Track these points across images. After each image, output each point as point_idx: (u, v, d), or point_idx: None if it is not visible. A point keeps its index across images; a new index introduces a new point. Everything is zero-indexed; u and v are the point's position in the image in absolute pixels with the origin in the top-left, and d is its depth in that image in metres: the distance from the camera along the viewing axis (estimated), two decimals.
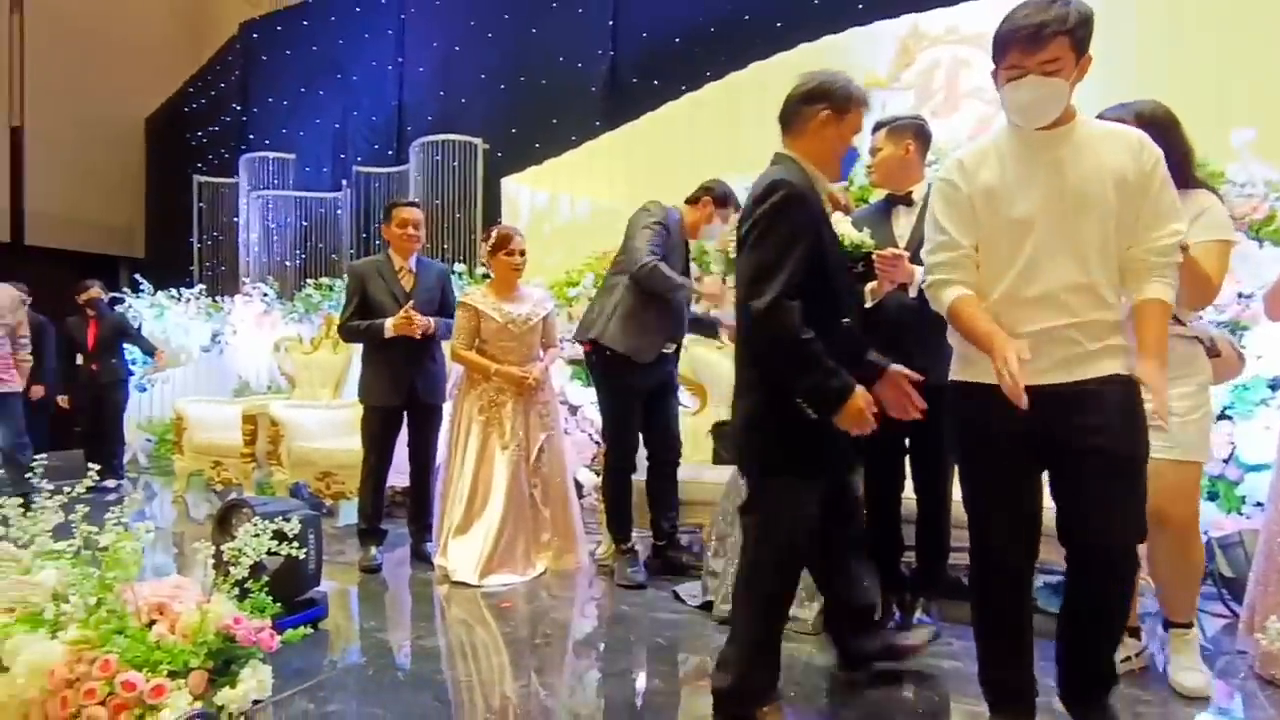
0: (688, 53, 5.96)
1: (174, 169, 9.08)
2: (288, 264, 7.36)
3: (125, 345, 5.73)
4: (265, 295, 6.61)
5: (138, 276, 7.30)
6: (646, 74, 6.14)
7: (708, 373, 3.98)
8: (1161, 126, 1.95)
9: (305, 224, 7.44)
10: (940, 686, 2.19)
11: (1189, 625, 2.15)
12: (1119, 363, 1.56)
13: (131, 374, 5.90)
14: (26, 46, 8.76)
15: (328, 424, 4.32)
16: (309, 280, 6.76)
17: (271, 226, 7.45)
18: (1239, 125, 3.54)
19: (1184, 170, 1.95)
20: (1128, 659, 2.20)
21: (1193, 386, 2.03)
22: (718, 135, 5.34)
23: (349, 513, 4.07)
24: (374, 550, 3.32)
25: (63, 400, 5.60)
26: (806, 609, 2.62)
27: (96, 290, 5.60)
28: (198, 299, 6.94)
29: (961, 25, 4.65)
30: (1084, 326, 1.55)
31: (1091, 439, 1.52)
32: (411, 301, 3.25)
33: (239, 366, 6.32)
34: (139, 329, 6.20)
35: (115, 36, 9.43)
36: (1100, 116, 1.98)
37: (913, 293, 2.36)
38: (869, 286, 2.47)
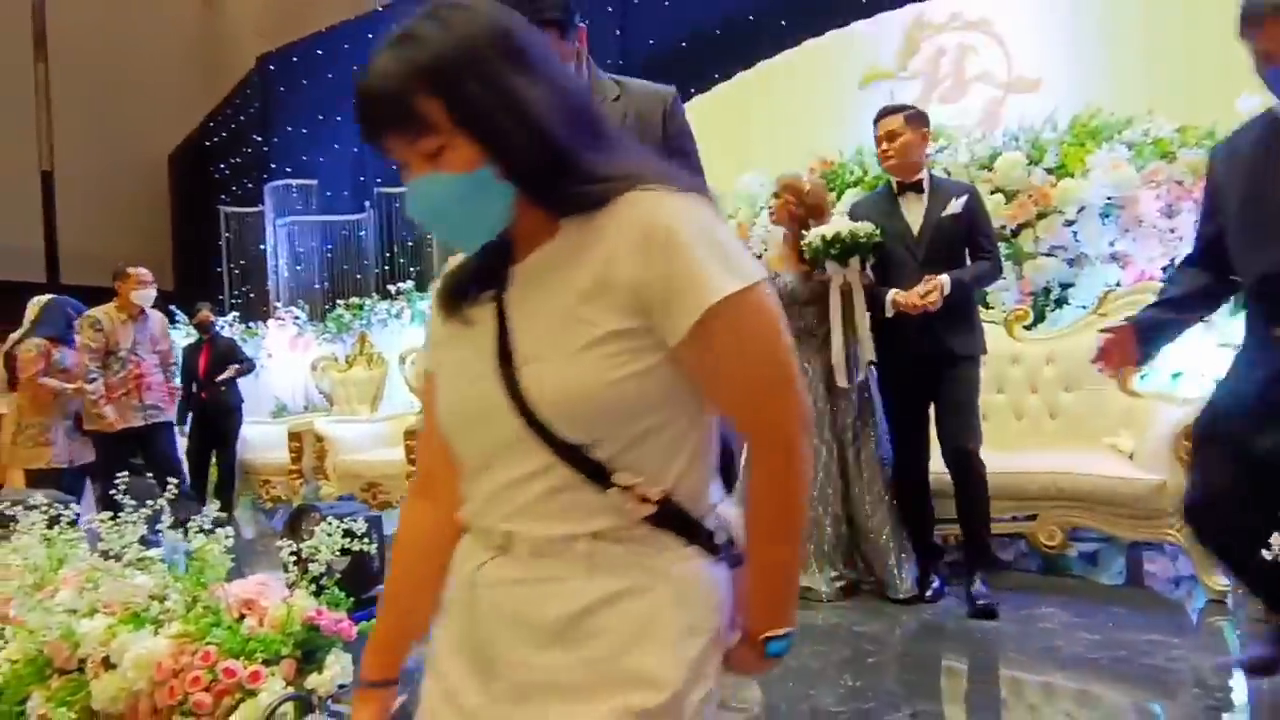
0: (695, 56, 6.06)
1: (199, 202, 9.34)
2: (316, 287, 7.54)
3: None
4: (297, 318, 6.79)
5: (172, 308, 7.51)
6: (655, 78, 6.21)
7: None
8: None
9: (330, 247, 7.62)
10: (978, 650, 2.27)
11: None
12: None
13: (243, 400, 5.35)
14: (52, 93, 9.06)
15: (370, 437, 4.47)
16: (338, 301, 6.94)
17: (300, 251, 7.63)
18: (1248, 91, 3.60)
19: None
20: None
21: None
22: (728, 135, 5.43)
23: (393, 522, 4.20)
24: None
25: (181, 431, 5.02)
26: (817, 578, 2.70)
27: (207, 313, 5.36)
28: (231, 326, 7.13)
29: (965, 11, 4.71)
30: None
31: None
32: None
33: (275, 388, 6.50)
34: None
35: (135, 78, 9.73)
36: None
37: (937, 302, 2.43)
38: (890, 297, 2.54)
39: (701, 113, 5.73)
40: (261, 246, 8.10)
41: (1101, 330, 1.85)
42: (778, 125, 5.20)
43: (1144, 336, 1.78)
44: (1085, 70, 4.24)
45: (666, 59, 6.21)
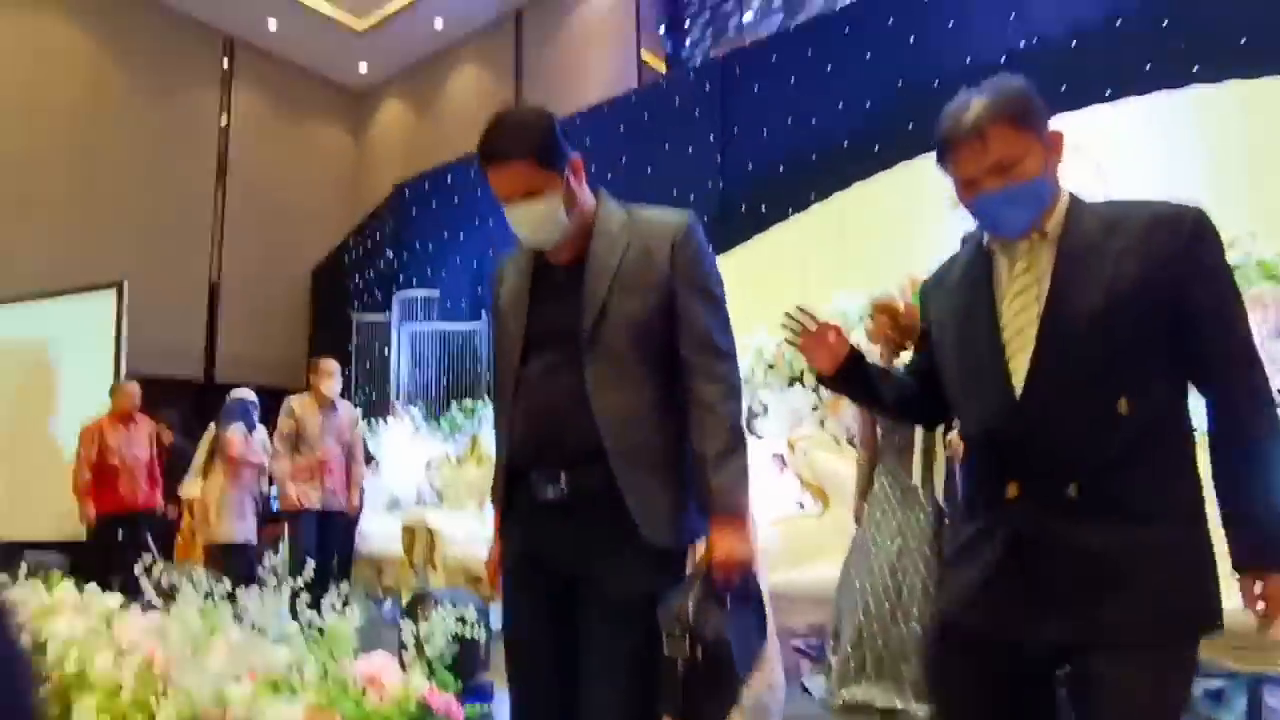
0: (792, 179, 6.39)
1: (335, 310, 10.29)
2: (433, 389, 8.10)
3: None
4: (414, 418, 7.28)
5: None
6: (754, 200, 6.62)
7: (831, 478, 4.12)
8: None
9: (449, 353, 8.22)
10: None
11: None
12: None
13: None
14: (226, 214, 10.39)
15: (478, 533, 4.71)
16: (454, 403, 7.41)
17: (423, 355, 8.27)
18: None
19: None
20: None
21: None
22: (827, 252, 5.65)
23: (498, 614, 4.35)
24: None
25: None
26: (917, 707, 2.64)
27: None
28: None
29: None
30: None
31: None
32: None
33: (391, 483, 6.93)
34: None
35: (292, 202, 11.03)
36: None
37: None
38: None
39: (799, 232, 6.02)
40: (386, 351, 8.82)
41: (805, 313, 1.49)
42: (873, 245, 5.37)
43: (854, 358, 1.50)
44: (1185, 192, 4.22)
45: (765, 181, 6.58)
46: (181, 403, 6.21)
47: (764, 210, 6.42)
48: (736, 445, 1.45)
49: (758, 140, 6.69)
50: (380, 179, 11.08)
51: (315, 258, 11.10)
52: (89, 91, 9.35)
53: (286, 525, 4.46)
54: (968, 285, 1.39)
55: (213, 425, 4.73)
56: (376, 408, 8.59)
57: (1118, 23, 4.99)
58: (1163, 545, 1.19)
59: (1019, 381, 1.25)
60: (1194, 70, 4.51)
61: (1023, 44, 5.32)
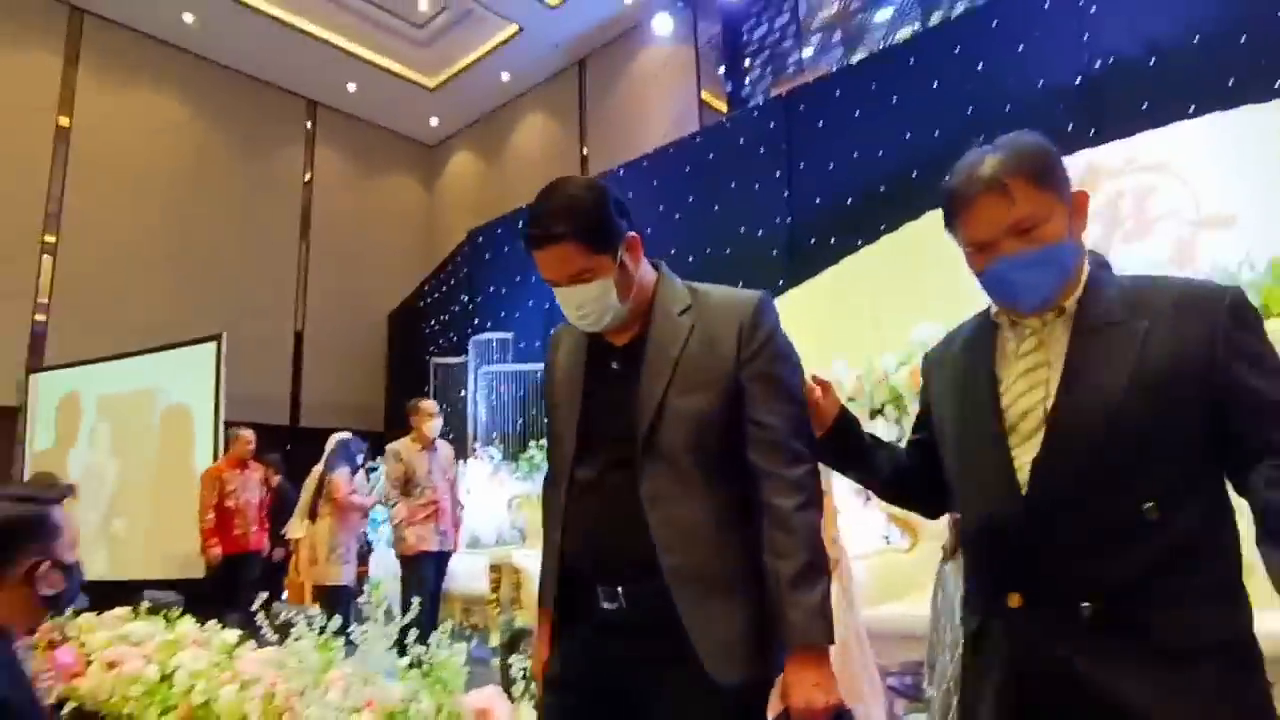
0: (861, 211, 6.37)
1: (412, 354, 10.66)
2: (510, 429, 8.27)
3: None
4: (493, 458, 7.44)
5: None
6: (823, 234, 6.63)
7: None
8: None
9: (524, 393, 8.40)
10: None
11: None
12: None
13: None
14: (310, 266, 10.95)
15: None
16: (531, 442, 7.55)
17: (499, 396, 8.47)
18: None
19: None
20: None
21: None
22: (899, 282, 5.59)
23: None
24: None
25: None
26: None
27: None
28: None
29: (1140, 156, 4.71)
30: None
31: None
32: None
33: (472, 522, 7.06)
34: None
35: (369, 251, 11.55)
36: None
37: None
38: None
39: (869, 264, 5.99)
40: (462, 393, 9.06)
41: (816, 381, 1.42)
42: (946, 275, 5.28)
43: (845, 421, 1.42)
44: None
45: (833, 213, 6.59)
46: (269, 449, 6.51)
47: (833, 243, 6.42)
48: (815, 565, 1.23)
49: (824, 174, 6.72)
50: (452, 226, 11.51)
51: (391, 304, 11.55)
52: (192, 160, 10.07)
53: (401, 566, 4.57)
54: (969, 361, 1.23)
55: (317, 467, 4.92)
56: (455, 449, 8.80)
57: (1195, 39, 4.87)
58: (1200, 694, 0.97)
59: (1024, 477, 1.08)
60: (1278, 85, 4.38)
61: (1098, 64, 5.24)
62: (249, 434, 5.65)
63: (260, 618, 2.59)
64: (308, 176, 11.35)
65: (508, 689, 2.20)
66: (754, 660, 1.25)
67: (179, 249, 9.70)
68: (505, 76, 11.02)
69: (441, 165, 12.78)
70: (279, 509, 5.87)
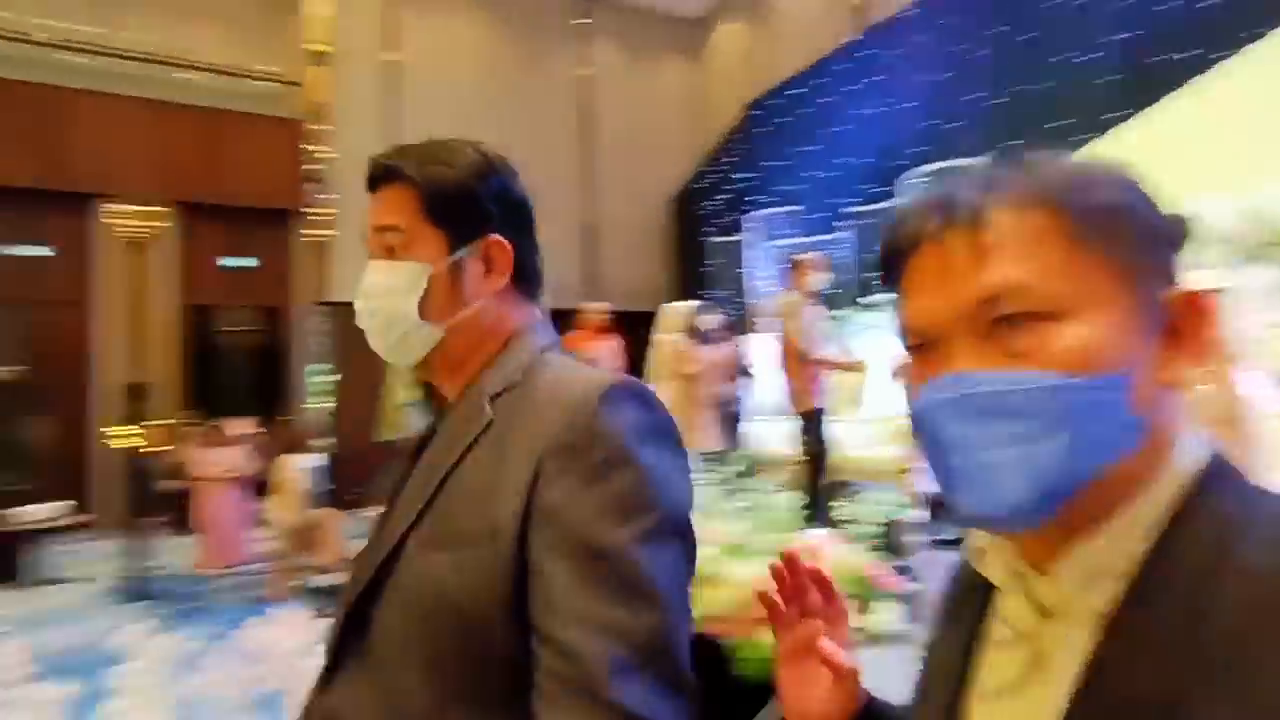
0: (1214, 17, 5.25)
1: (691, 235, 11.02)
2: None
3: None
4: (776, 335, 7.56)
5: None
6: (1163, 50, 5.55)
7: None
8: None
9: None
10: None
11: None
12: None
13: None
14: (595, 159, 11.67)
15: (860, 436, 4.87)
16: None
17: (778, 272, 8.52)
18: None
19: None
20: None
21: None
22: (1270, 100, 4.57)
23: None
24: None
25: None
26: None
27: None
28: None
29: None
30: None
31: None
32: None
33: (759, 392, 7.34)
34: None
35: (644, 136, 11.97)
36: None
37: None
38: None
39: (1227, 80, 4.88)
40: (740, 270, 9.22)
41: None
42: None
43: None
44: None
45: (1177, 26, 5.47)
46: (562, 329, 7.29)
47: (1175, 60, 5.37)
48: None
49: None
50: (723, 102, 11.47)
51: (670, 188, 11.95)
52: (485, 71, 11.03)
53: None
54: (951, 629, 0.67)
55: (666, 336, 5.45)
56: (737, 325, 9.08)
57: None
58: None
59: None
60: None
61: None
62: (601, 305, 6.44)
63: None
64: (585, 72, 11.87)
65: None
66: None
67: None
68: None
69: (709, 38, 12.61)
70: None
